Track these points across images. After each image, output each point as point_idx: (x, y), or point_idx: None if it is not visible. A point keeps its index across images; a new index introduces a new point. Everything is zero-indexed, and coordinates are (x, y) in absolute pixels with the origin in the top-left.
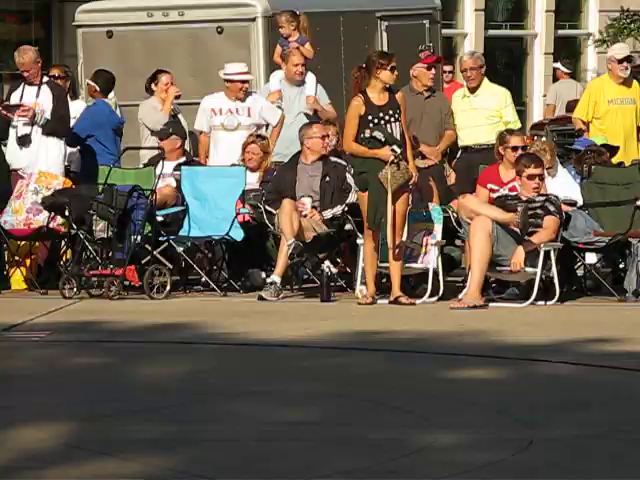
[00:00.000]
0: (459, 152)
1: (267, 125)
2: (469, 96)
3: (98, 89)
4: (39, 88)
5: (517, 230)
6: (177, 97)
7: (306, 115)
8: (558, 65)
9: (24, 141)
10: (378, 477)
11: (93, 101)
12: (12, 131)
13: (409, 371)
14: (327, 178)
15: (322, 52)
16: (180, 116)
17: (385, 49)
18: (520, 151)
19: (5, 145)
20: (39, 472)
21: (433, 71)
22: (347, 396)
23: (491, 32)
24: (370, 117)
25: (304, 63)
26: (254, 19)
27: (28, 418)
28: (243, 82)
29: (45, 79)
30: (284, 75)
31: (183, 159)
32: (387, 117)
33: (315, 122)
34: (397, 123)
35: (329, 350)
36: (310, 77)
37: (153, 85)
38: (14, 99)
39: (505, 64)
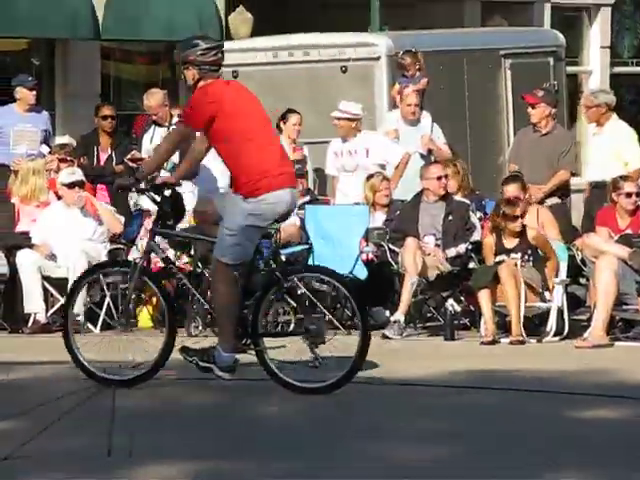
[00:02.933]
0: (587, 188)
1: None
2: (596, 133)
3: None
4: (168, 130)
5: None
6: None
7: (421, 155)
8: None
9: None
10: None
11: None
12: None
13: (535, 410)
14: (450, 217)
15: (445, 91)
16: (305, 153)
17: (509, 87)
18: (635, 197)
19: None
20: None
21: (538, 110)
22: (474, 435)
23: (617, 69)
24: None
25: (418, 103)
26: (378, 58)
27: (152, 456)
28: (351, 120)
29: (175, 120)
30: (400, 114)
31: (307, 198)
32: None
33: (433, 162)
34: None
35: (454, 388)
36: (426, 115)
37: (282, 123)
38: (145, 140)
39: (631, 101)
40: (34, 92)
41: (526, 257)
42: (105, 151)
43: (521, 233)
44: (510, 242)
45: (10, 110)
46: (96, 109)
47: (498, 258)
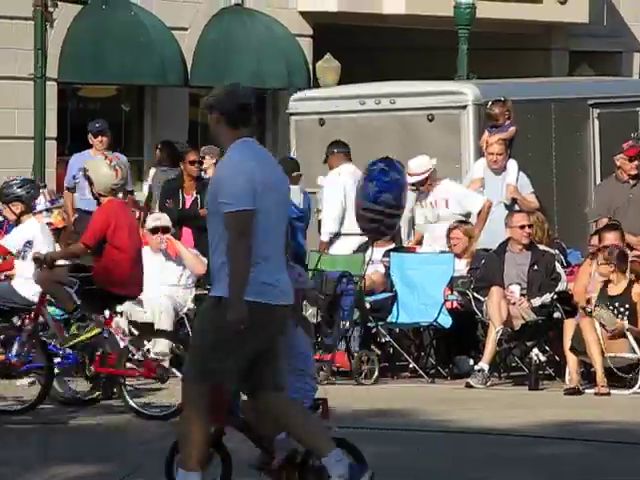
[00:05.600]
0: None
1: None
2: None
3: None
4: None
5: None
6: None
7: (505, 205)
8: None
9: None
10: None
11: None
12: None
13: (620, 463)
14: (535, 266)
15: (533, 140)
16: None
17: (597, 137)
18: None
19: None
20: None
21: (636, 162)
22: None
23: None
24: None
25: (500, 152)
26: (465, 107)
27: None
28: (425, 178)
29: None
30: (486, 162)
31: (392, 245)
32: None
33: (518, 211)
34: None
35: (538, 439)
36: (512, 164)
37: None
38: None
39: None
40: (99, 138)
41: (622, 309)
42: (190, 194)
43: (627, 287)
44: (614, 290)
45: (86, 156)
46: (182, 155)
47: (594, 302)
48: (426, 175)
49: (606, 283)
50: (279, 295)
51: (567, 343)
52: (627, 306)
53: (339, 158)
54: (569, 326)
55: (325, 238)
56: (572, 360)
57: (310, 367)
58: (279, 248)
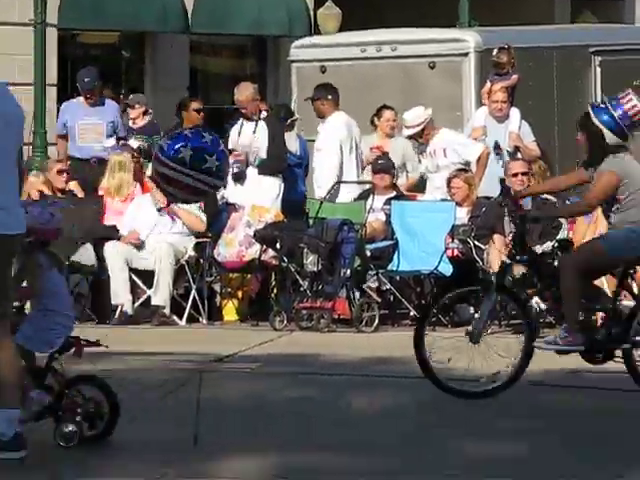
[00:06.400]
0: None
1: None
2: None
3: None
4: (256, 124)
5: None
6: None
7: (508, 152)
8: None
9: (239, 177)
10: None
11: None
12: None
13: (622, 409)
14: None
15: (534, 88)
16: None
17: (599, 85)
18: None
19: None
20: None
21: None
22: (560, 433)
23: None
24: None
25: (504, 100)
26: (467, 54)
27: (236, 448)
28: (422, 130)
29: (263, 115)
30: (488, 111)
31: (393, 194)
32: None
33: (515, 159)
34: None
35: (537, 387)
36: (514, 113)
37: (376, 119)
38: (233, 134)
39: None
40: (94, 92)
41: None
42: None
43: None
44: None
45: (75, 104)
46: (184, 103)
47: None
48: (422, 126)
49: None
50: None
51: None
52: None
53: (329, 106)
54: None
55: (322, 193)
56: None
57: (63, 307)
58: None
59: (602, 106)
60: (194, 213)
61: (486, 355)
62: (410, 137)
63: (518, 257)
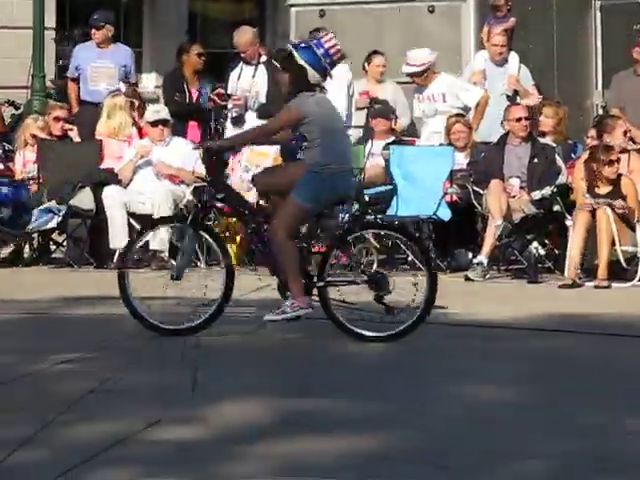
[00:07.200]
0: None
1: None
2: None
3: None
4: (256, 68)
5: None
6: None
7: (507, 96)
8: None
9: (237, 121)
10: (586, 462)
11: None
12: (228, 112)
13: (616, 355)
14: (535, 159)
15: (533, 32)
16: (393, 93)
17: (599, 29)
18: None
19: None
20: (247, 446)
21: None
22: (554, 379)
23: None
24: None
25: (503, 44)
26: None
27: (235, 393)
28: (423, 70)
29: (263, 59)
30: (487, 55)
31: (392, 138)
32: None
33: (515, 104)
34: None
35: (536, 332)
36: (513, 57)
37: (367, 65)
38: (232, 78)
39: None
40: (102, 31)
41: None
42: (194, 88)
43: (615, 180)
44: (603, 189)
45: (88, 47)
46: (185, 47)
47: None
48: (422, 68)
49: (592, 182)
50: None
51: (579, 235)
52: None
53: None
54: (582, 218)
55: None
56: (577, 254)
57: None
58: None
59: (304, 45)
60: (187, 170)
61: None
62: (409, 75)
63: (218, 195)
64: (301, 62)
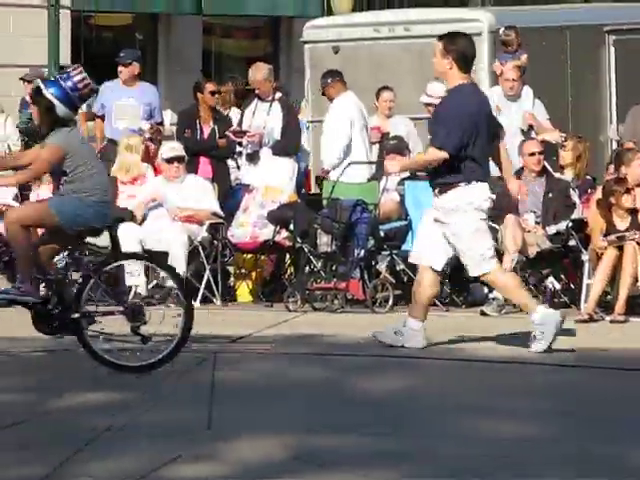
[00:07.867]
0: None
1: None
2: None
3: None
4: (270, 105)
5: None
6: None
7: (522, 131)
8: None
9: (252, 158)
10: None
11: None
12: (243, 149)
13: (635, 389)
14: (550, 194)
15: (547, 67)
16: (407, 128)
17: (612, 64)
18: None
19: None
20: None
21: None
22: (573, 414)
23: None
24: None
25: (516, 79)
26: (480, 34)
27: (250, 429)
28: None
29: (277, 95)
30: (501, 90)
31: (407, 174)
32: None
33: (530, 139)
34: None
35: (554, 367)
36: (527, 91)
37: (376, 101)
38: (247, 114)
39: None
40: (129, 68)
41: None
42: (208, 125)
43: (632, 212)
44: (622, 222)
45: (115, 85)
46: (199, 85)
47: (610, 238)
48: (439, 101)
49: (609, 218)
50: None
51: (605, 273)
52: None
53: (337, 87)
54: (611, 255)
55: (327, 167)
56: (599, 290)
57: None
58: None
59: (52, 79)
60: (203, 209)
61: None
62: (426, 105)
63: None
64: (48, 95)
